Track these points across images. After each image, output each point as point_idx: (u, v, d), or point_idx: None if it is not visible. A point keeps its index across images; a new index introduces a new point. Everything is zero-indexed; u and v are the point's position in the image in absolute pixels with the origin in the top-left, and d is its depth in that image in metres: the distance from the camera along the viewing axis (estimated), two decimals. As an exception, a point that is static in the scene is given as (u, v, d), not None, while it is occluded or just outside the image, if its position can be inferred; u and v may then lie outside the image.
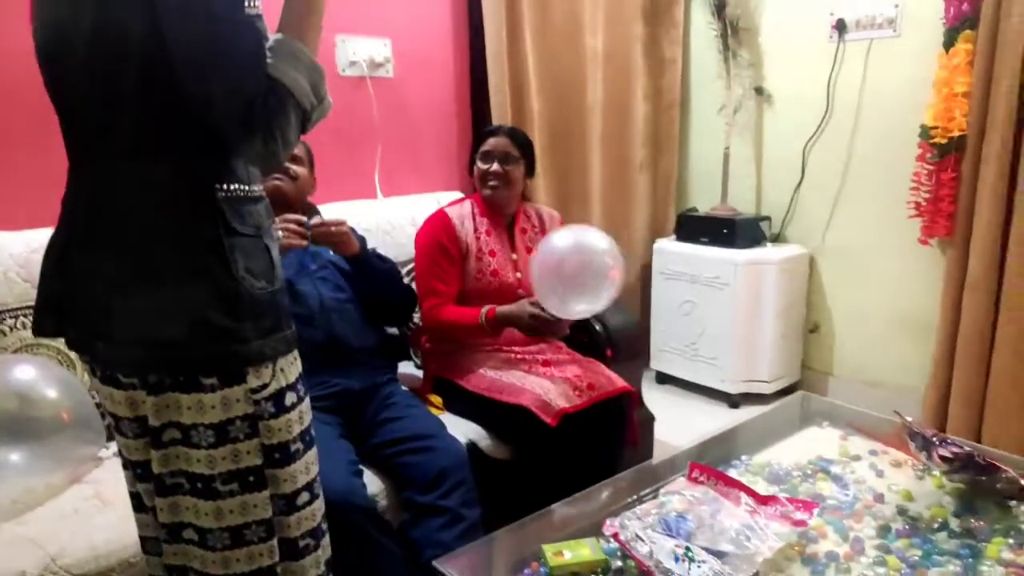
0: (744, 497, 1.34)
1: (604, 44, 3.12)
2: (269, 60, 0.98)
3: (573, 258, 1.78)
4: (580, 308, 1.82)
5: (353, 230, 1.91)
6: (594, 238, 1.83)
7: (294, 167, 1.91)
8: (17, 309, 1.80)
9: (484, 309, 1.96)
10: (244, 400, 1.03)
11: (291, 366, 1.09)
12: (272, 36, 1.01)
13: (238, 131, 0.96)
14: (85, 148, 1.05)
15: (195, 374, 1.01)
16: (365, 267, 1.94)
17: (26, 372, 1.60)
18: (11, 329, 1.78)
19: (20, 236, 1.86)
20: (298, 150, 1.94)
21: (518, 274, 2.12)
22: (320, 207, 2.10)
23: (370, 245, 2.08)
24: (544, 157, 2.96)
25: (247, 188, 1.05)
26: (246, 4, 0.95)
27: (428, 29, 2.76)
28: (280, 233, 1.64)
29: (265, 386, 1.05)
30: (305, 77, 1.00)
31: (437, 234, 2.09)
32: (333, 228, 1.81)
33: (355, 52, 2.57)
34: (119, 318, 1.00)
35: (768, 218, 3.19)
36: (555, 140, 3.03)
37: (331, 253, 1.95)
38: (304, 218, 1.79)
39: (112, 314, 1.00)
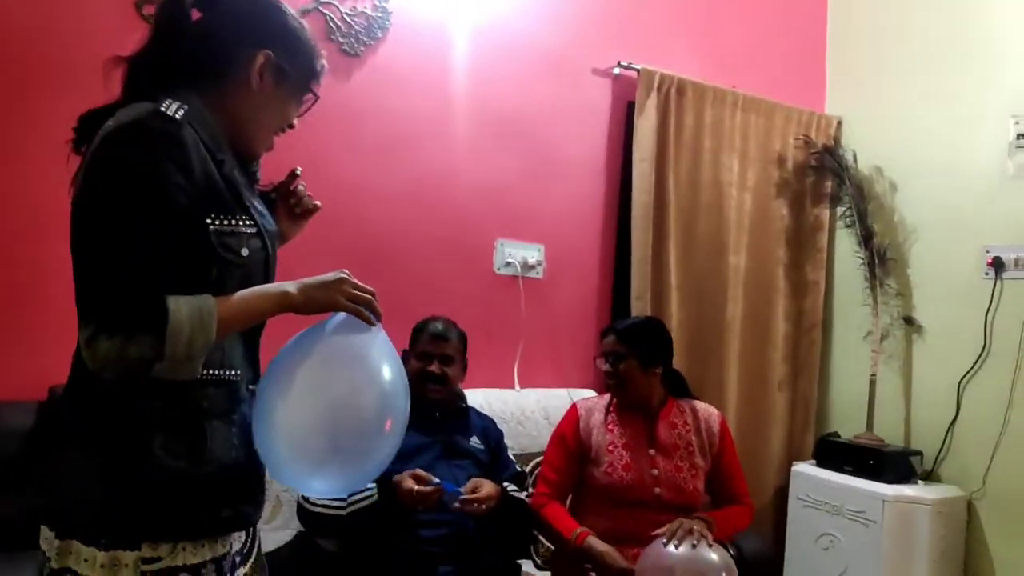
0: None
1: (747, 263, 3.21)
2: (182, 298, 0.98)
3: (685, 567, 1.75)
4: None
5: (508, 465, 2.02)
6: (711, 555, 1.78)
7: (446, 368, 2.02)
8: None
9: (577, 531, 1.93)
10: (132, 567, 1.00)
11: (201, 549, 1.05)
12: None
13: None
14: None
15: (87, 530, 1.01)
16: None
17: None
18: None
19: None
20: (451, 348, 2.05)
21: (655, 471, 2.03)
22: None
23: (504, 434, 2.13)
24: (680, 366, 2.96)
25: (208, 372, 1.05)
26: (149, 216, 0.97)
27: (579, 237, 2.97)
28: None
29: (158, 559, 1.02)
30: (187, 334, 0.97)
31: (562, 425, 2.14)
32: (479, 505, 1.81)
33: (511, 255, 2.79)
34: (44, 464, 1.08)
35: (920, 453, 2.98)
36: (693, 351, 3.06)
37: (472, 441, 2.01)
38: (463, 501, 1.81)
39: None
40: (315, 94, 1.22)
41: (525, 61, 2.86)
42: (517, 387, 2.75)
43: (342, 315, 1.16)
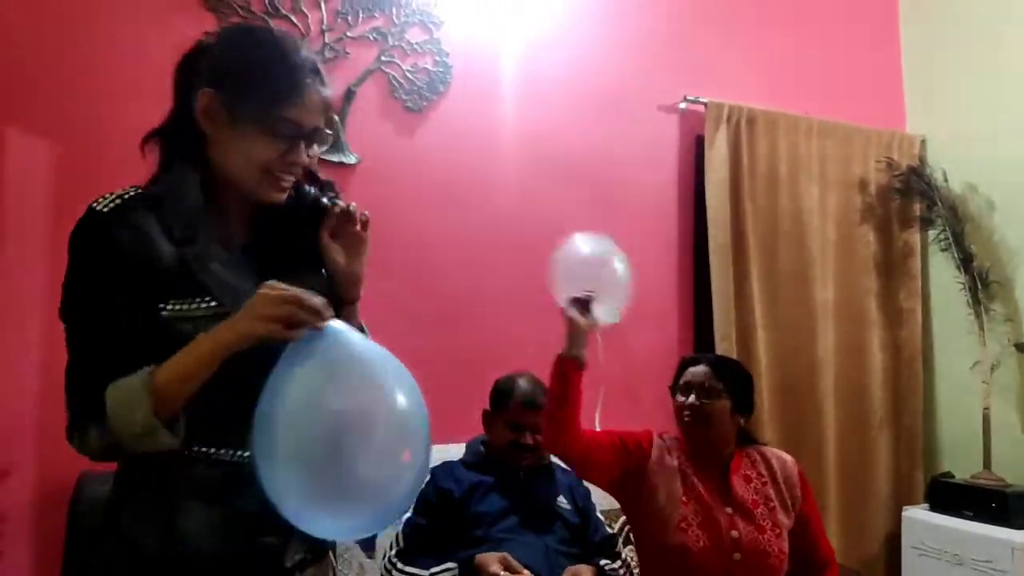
0: None
1: (835, 294, 3.05)
2: (121, 380, 0.97)
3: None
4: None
5: None
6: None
7: (539, 437, 1.86)
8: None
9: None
10: None
11: None
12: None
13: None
14: None
15: None
16: None
17: None
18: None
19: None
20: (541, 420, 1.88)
21: (734, 532, 1.75)
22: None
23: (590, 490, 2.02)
24: (773, 407, 2.82)
25: (197, 448, 1.03)
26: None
27: (655, 278, 2.87)
28: None
29: None
30: (124, 415, 0.96)
31: (628, 432, 1.89)
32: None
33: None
34: None
35: (1048, 493, 2.71)
36: (784, 391, 2.90)
37: (560, 502, 1.89)
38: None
39: None
40: (295, 123, 1.06)
41: (588, 102, 2.82)
42: (600, 437, 2.64)
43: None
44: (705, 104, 2.90)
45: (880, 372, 3.11)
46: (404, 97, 2.56)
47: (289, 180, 1.11)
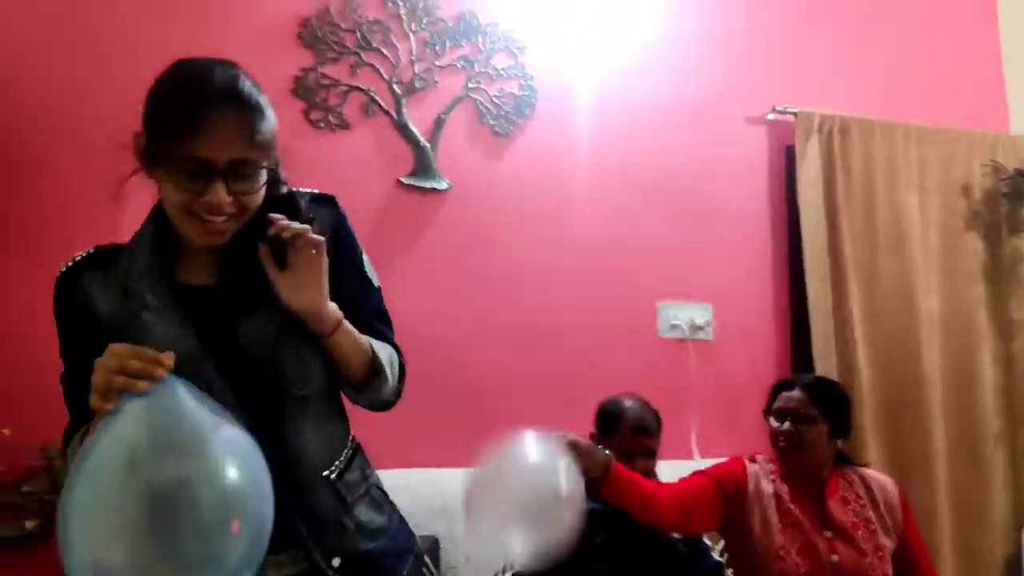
0: None
1: (940, 305, 2.91)
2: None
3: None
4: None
5: None
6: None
7: (648, 462, 1.81)
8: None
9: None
10: None
11: None
12: None
13: None
14: None
15: None
16: None
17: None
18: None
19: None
20: (653, 441, 1.83)
21: (834, 557, 1.73)
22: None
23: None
24: (876, 426, 2.71)
25: None
26: None
27: (749, 293, 2.81)
28: None
29: None
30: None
31: (722, 468, 1.84)
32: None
33: (675, 316, 2.68)
34: None
35: None
36: (888, 411, 2.78)
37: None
38: None
39: None
40: (199, 160, 0.95)
41: (673, 118, 2.79)
42: (697, 457, 2.60)
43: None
44: (795, 114, 2.83)
45: (992, 387, 2.94)
46: (492, 122, 2.60)
47: (219, 221, 0.99)
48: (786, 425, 1.83)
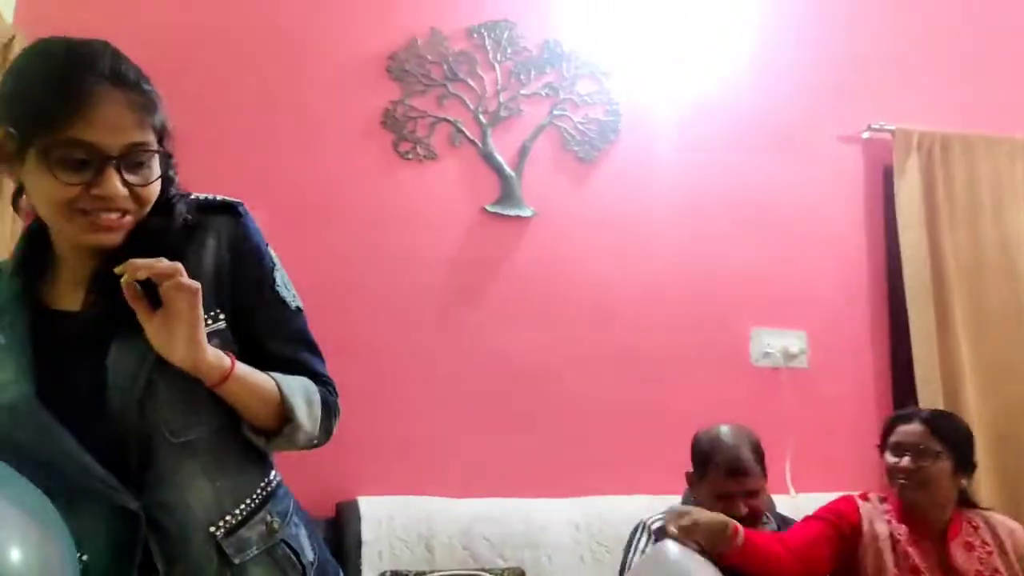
0: None
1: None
2: None
3: None
4: None
5: None
6: None
7: (753, 501, 1.71)
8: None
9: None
10: None
11: None
12: None
13: None
14: None
15: None
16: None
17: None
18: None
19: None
20: (755, 481, 1.72)
21: None
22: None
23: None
24: (988, 461, 2.54)
25: None
26: None
27: (845, 319, 2.71)
28: None
29: None
30: None
31: (834, 508, 1.76)
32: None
33: (769, 344, 2.59)
34: None
35: None
36: (1002, 444, 2.61)
37: None
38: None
39: None
40: (85, 145, 0.82)
41: (763, 139, 2.72)
42: (792, 492, 2.49)
43: None
44: (892, 132, 2.72)
45: (1118, 419, 2.73)
46: (576, 148, 2.59)
47: (112, 217, 0.86)
48: (905, 460, 1.74)
